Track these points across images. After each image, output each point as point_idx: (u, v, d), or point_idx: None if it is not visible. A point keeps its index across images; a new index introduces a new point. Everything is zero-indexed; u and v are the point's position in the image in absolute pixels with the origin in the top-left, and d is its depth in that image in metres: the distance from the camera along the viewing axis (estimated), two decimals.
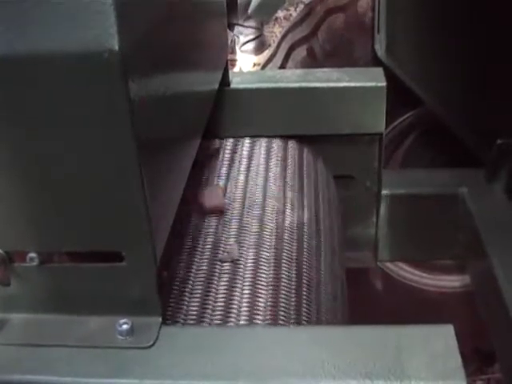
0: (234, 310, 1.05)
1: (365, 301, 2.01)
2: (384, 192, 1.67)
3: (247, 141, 1.51)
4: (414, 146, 2.17)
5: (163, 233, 0.96)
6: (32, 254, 0.92)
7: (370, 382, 0.86)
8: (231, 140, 1.52)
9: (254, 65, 4.26)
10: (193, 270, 1.13)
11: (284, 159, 1.47)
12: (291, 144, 1.53)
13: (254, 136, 1.52)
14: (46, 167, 0.86)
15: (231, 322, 1.04)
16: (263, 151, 1.48)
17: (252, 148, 1.49)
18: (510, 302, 1.39)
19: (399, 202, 1.74)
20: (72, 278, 0.95)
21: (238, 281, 1.11)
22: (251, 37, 4.34)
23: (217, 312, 1.05)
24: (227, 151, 1.48)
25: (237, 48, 4.37)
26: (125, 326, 0.93)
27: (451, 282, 2.23)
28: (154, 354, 0.92)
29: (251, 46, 4.37)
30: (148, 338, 0.93)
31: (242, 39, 4.36)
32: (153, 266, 0.91)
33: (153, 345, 0.92)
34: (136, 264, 0.91)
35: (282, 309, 1.08)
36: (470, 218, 1.63)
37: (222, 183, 1.36)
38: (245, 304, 1.07)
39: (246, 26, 4.31)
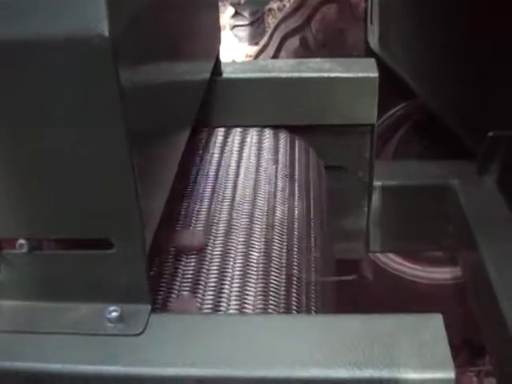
0: (224, 300, 1.06)
1: (355, 292, 2.01)
2: (376, 183, 1.67)
3: (239, 130, 1.51)
4: (406, 137, 2.17)
5: (153, 220, 0.96)
6: (21, 241, 0.92)
7: (359, 371, 0.86)
8: (222, 129, 1.52)
9: (247, 56, 4.26)
10: (183, 259, 1.14)
11: (276, 149, 1.47)
12: (283, 134, 1.53)
13: (246, 126, 1.52)
14: (35, 154, 0.86)
15: (221, 310, 1.04)
16: (255, 141, 1.48)
17: (243, 138, 1.49)
18: (500, 293, 1.39)
19: (391, 193, 1.74)
20: (61, 265, 0.95)
21: (228, 270, 1.11)
22: (245, 22, 4.34)
23: (207, 301, 1.05)
24: (218, 141, 1.48)
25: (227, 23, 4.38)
26: (114, 314, 0.93)
27: (442, 273, 2.24)
28: (143, 342, 0.91)
29: (245, 32, 4.37)
30: (137, 326, 0.93)
31: (235, 22, 4.36)
32: (142, 254, 0.91)
33: (142, 332, 0.92)
34: (125, 251, 0.91)
35: (272, 298, 1.08)
36: (462, 210, 1.64)
37: (212, 174, 1.36)
38: (234, 294, 1.07)
39: (243, 15, 4.31)
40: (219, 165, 1.39)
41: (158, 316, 0.97)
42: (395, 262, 2.25)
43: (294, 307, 1.09)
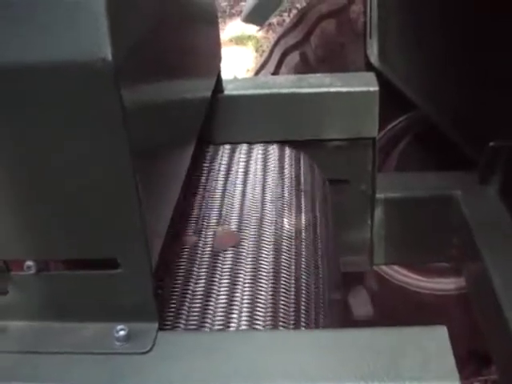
0: (235, 315, 1.06)
1: None
2: (378, 196, 1.68)
3: (244, 147, 1.52)
4: (408, 149, 2.18)
5: (158, 239, 0.97)
6: (29, 263, 0.93)
7: None
8: (225, 146, 1.52)
9: (248, 71, 4.27)
10: (193, 277, 1.14)
11: (278, 165, 1.48)
12: (285, 149, 1.53)
13: (248, 142, 1.53)
14: (42, 176, 0.87)
15: (232, 327, 1.04)
16: (259, 157, 1.49)
17: (246, 154, 1.50)
18: (504, 303, 1.40)
19: (394, 205, 1.75)
20: (69, 285, 0.96)
21: (238, 286, 1.12)
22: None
23: (217, 317, 1.06)
24: (221, 157, 1.49)
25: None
26: (122, 332, 0.94)
27: (446, 284, 2.24)
28: (150, 360, 0.92)
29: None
30: (145, 344, 0.94)
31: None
32: (148, 272, 0.92)
33: (150, 350, 0.93)
34: (132, 270, 0.92)
35: (281, 314, 1.09)
36: (464, 221, 1.64)
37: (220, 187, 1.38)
38: (244, 309, 1.07)
39: None
40: (224, 181, 1.40)
41: (166, 334, 0.97)
42: (399, 274, 2.25)
43: (303, 323, 1.10)
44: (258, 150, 1.52)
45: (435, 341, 0.91)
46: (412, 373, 0.87)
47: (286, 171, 1.46)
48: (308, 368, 0.90)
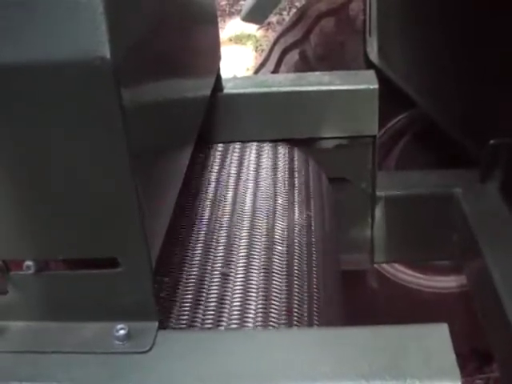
0: (225, 313, 1.06)
1: (361, 302, 2.01)
2: (379, 194, 1.68)
3: (241, 145, 1.52)
4: (408, 147, 2.17)
5: (158, 238, 0.97)
6: (28, 263, 0.93)
7: (365, 383, 0.86)
8: (224, 145, 1.52)
9: (247, 70, 4.27)
10: (184, 275, 1.14)
11: (277, 163, 1.47)
12: (285, 148, 1.53)
13: (248, 141, 1.53)
14: (41, 177, 0.87)
15: (222, 325, 1.04)
16: (256, 156, 1.49)
17: (245, 153, 1.50)
18: (506, 300, 1.39)
19: (394, 203, 1.75)
20: (68, 284, 0.95)
21: (229, 285, 1.12)
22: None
23: (208, 316, 1.06)
24: (220, 156, 1.49)
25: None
26: (122, 332, 0.93)
27: (448, 282, 2.24)
28: (151, 359, 0.92)
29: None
30: (145, 343, 0.93)
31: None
32: (148, 271, 0.92)
33: (150, 349, 0.93)
34: (131, 269, 0.91)
35: (272, 312, 1.08)
36: (465, 219, 1.64)
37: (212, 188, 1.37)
38: (236, 308, 1.07)
39: None
40: (221, 180, 1.40)
41: (166, 333, 0.97)
42: (400, 272, 2.25)
43: (296, 321, 1.10)
44: (251, 148, 1.52)
45: (436, 339, 0.91)
46: (413, 371, 0.87)
47: (283, 170, 1.46)
48: (309, 367, 0.90)
